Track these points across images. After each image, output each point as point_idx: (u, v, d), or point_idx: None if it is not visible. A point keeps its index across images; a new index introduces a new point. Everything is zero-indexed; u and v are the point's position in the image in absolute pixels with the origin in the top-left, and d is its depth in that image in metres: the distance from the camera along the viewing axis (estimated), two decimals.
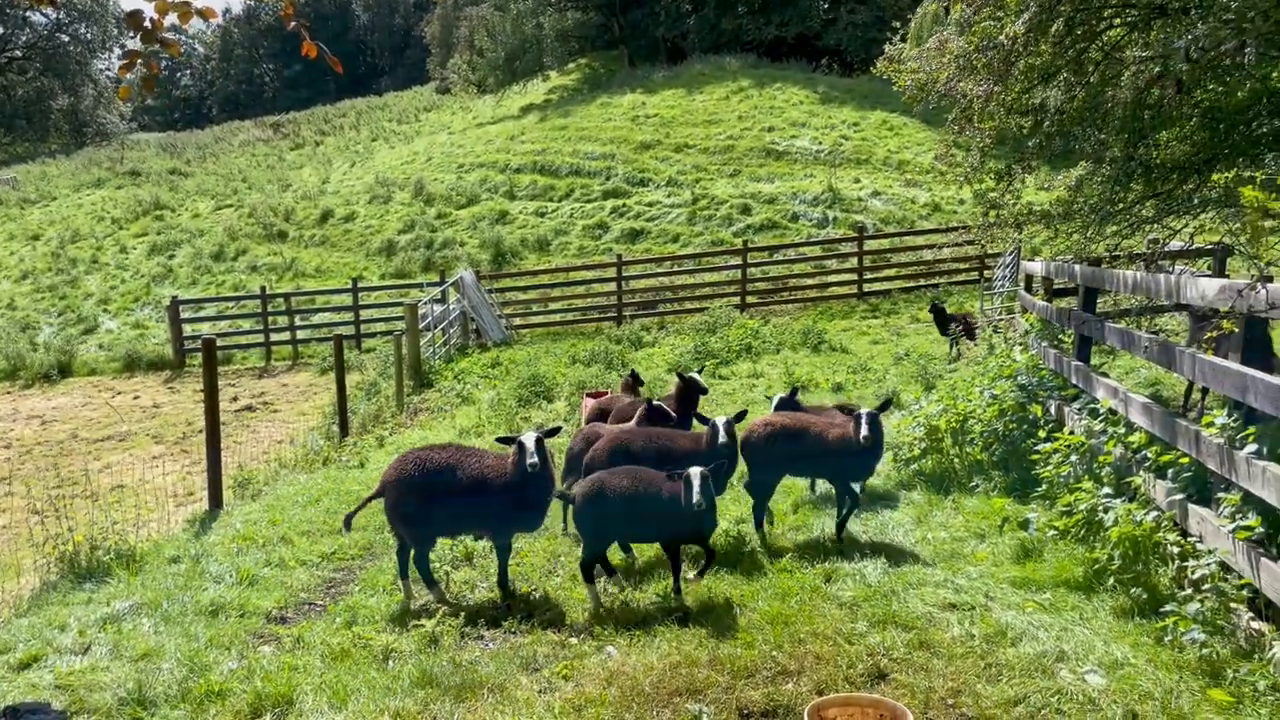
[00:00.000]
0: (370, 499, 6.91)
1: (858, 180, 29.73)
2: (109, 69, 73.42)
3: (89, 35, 70.82)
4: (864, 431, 6.70)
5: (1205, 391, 9.74)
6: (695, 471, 5.89)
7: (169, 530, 9.19)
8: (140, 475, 12.52)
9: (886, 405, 7.26)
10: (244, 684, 5.33)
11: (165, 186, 42.99)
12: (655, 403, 8.39)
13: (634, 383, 11.26)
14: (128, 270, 32.27)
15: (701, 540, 6.35)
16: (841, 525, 7.12)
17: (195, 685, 5.34)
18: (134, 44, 4.97)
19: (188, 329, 24.97)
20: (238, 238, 33.02)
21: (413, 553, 6.58)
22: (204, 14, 5.15)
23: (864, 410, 6.89)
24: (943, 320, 14.98)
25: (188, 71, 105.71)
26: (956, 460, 8.38)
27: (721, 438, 6.79)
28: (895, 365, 14.61)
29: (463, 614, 6.20)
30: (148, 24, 4.92)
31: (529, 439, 6.25)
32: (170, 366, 24.18)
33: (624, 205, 30.50)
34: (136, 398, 21.11)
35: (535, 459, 6.15)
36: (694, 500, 5.69)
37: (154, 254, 33.14)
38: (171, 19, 5.20)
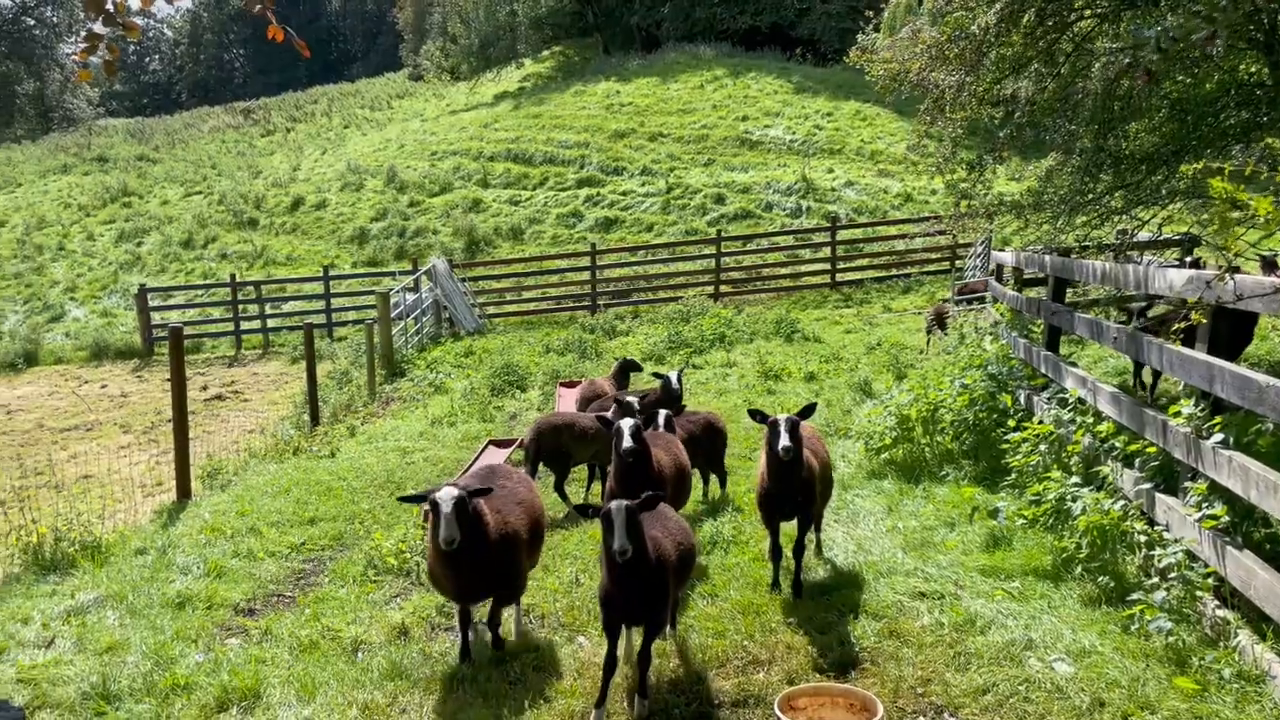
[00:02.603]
0: None
1: (831, 170, 29.78)
2: (75, 53, 72.42)
3: (54, 19, 69.75)
4: (784, 443, 5.61)
5: (1157, 376, 9.86)
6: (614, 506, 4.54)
7: (136, 521, 9.07)
8: (108, 465, 12.35)
9: (809, 411, 6.05)
10: (211, 677, 5.27)
11: (133, 173, 42.41)
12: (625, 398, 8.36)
13: (624, 370, 11.05)
14: (95, 258, 31.82)
15: None
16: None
17: (161, 679, 5.27)
18: (96, 27, 4.85)
19: (156, 317, 24.66)
20: (207, 225, 32.64)
21: None
22: None
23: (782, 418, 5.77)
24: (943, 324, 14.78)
25: (156, 56, 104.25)
26: (927, 449, 8.42)
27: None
28: (867, 354, 14.67)
29: (434, 606, 6.17)
30: (109, 7, 4.82)
31: (445, 501, 4.86)
32: (139, 355, 23.88)
33: (598, 194, 30.41)
34: (104, 386, 20.84)
35: (449, 532, 4.79)
36: (615, 547, 4.41)
37: (122, 241, 32.70)
38: (135, 2, 5.09)
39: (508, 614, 5.73)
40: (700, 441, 7.89)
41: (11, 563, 7.53)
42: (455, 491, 4.91)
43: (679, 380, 9.24)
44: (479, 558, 5.06)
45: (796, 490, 5.87)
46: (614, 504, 4.51)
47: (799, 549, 6.00)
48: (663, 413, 7.33)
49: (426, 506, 5.22)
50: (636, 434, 6.03)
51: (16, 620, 6.23)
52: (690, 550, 5.13)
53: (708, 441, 8.02)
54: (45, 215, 36.49)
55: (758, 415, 6.01)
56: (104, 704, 5.05)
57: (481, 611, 5.79)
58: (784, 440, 5.61)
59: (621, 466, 6.07)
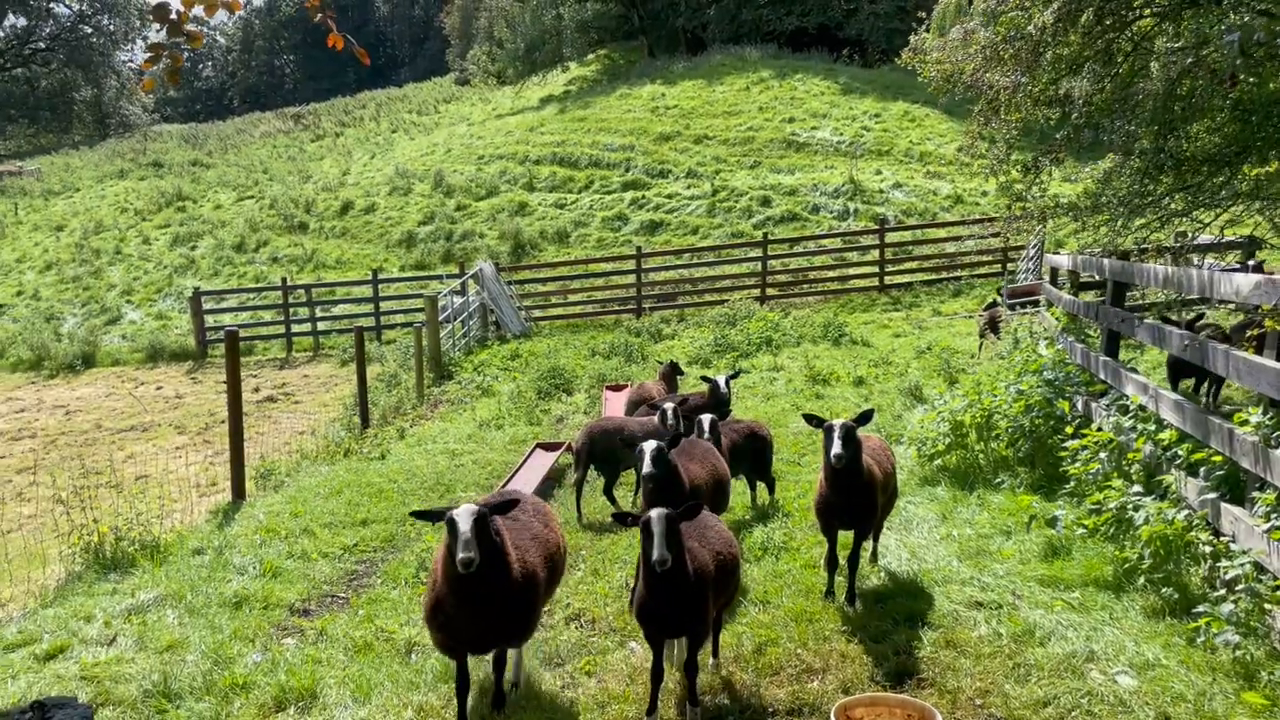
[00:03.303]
0: None
1: (879, 172, 29.53)
2: (132, 60, 73.89)
3: (111, 27, 71.29)
4: (835, 449, 5.50)
5: (1219, 384, 9.65)
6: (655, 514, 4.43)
7: (192, 521, 9.23)
8: (164, 466, 12.58)
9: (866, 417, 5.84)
10: (268, 676, 5.34)
11: (187, 178, 43.21)
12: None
13: (672, 373, 11.21)
14: (150, 261, 32.46)
15: None
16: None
17: (220, 677, 5.35)
18: (159, 36, 4.94)
19: (210, 320, 25.11)
20: (259, 229, 33.15)
21: None
22: (229, 6, 5.12)
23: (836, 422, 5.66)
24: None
25: (209, 63, 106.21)
26: (981, 456, 8.29)
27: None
28: (917, 359, 14.50)
29: None
30: (173, 16, 4.91)
31: (463, 518, 4.34)
32: (192, 357, 24.32)
33: (643, 197, 30.42)
34: (159, 388, 21.24)
35: (468, 553, 4.24)
36: (654, 557, 4.30)
37: (176, 245, 33.33)
38: (197, 11, 5.17)
39: (513, 656, 5.17)
40: (744, 450, 7.85)
41: (74, 561, 7.70)
42: (474, 507, 4.41)
43: (727, 384, 9.20)
44: (498, 588, 4.47)
45: (855, 499, 5.74)
46: (654, 512, 4.39)
47: (854, 558, 5.91)
48: (707, 418, 7.30)
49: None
50: (658, 457, 5.83)
51: (79, 618, 6.36)
52: (732, 560, 4.99)
53: (752, 450, 7.97)
54: (103, 220, 37.29)
55: (813, 420, 5.93)
56: (165, 702, 5.14)
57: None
58: (836, 447, 5.49)
59: (646, 488, 5.97)
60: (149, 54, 5.28)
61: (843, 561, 6.01)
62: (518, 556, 4.67)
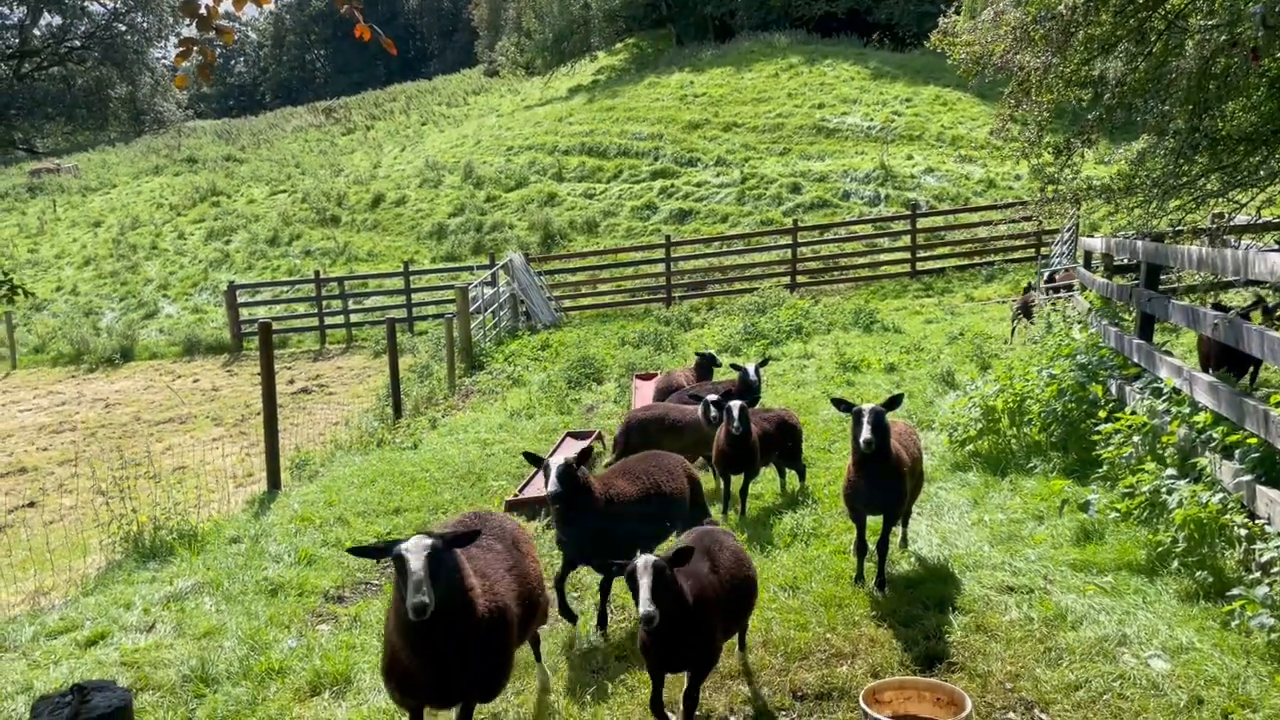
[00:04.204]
0: None
1: (910, 157, 29.29)
2: (165, 57, 74.59)
3: (145, 24, 71.90)
4: (865, 435, 5.48)
5: (1257, 366, 9.47)
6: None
7: (229, 511, 9.37)
8: (201, 457, 12.78)
9: (896, 401, 5.82)
10: (303, 662, 5.42)
11: (221, 173, 43.71)
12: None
13: (707, 364, 10.98)
14: (186, 256, 32.89)
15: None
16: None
17: (256, 663, 5.44)
18: (190, 32, 5.00)
19: (244, 313, 25.42)
20: (291, 223, 33.47)
21: None
22: (258, 1, 5.18)
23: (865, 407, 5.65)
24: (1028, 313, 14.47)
25: (241, 59, 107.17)
26: (1014, 441, 8.23)
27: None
28: (949, 345, 14.40)
29: None
30: (203, 11, 4.97)
31: (413, 554, 3.71)
32: (228, 350, 24.66)
33: (672, 185, 30.37)
34: (196, 380, 21.55)
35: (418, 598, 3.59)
36: (640, 613, 3.91)
37: (211, 239, 33.74)
38: (226, 6, 5.24)
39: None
40: (774, 438, 7.85)
41: (113, 550, 7.86)
42: (426, 540, 3.74)
43: (757, 372, 9.19)
44: (462, 631, 3.84)
45: (883, 484, 5.70)
46: (640, 560, 3.96)
47: (883, 544, 5.88)
48: (736, 404, 7.29)
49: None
50: (564, 475, 5.27)
51: (119, 605, 6.49)
52: (745, 582, 4.68)
53: (781, 438, 7.97)
54: (139, 215, 37.81)
55: (841, 404, 5.88)
56: (203, 686, 5.23)
57: None
58: (865, 433, 5.46)
59: (553, 509, 5.53)
60: (180, 49, 5.36)
61: (872, 547, 6.00)
62: (485, 589, 4.04)
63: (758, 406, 8.50)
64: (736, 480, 7.69)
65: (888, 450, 5.64)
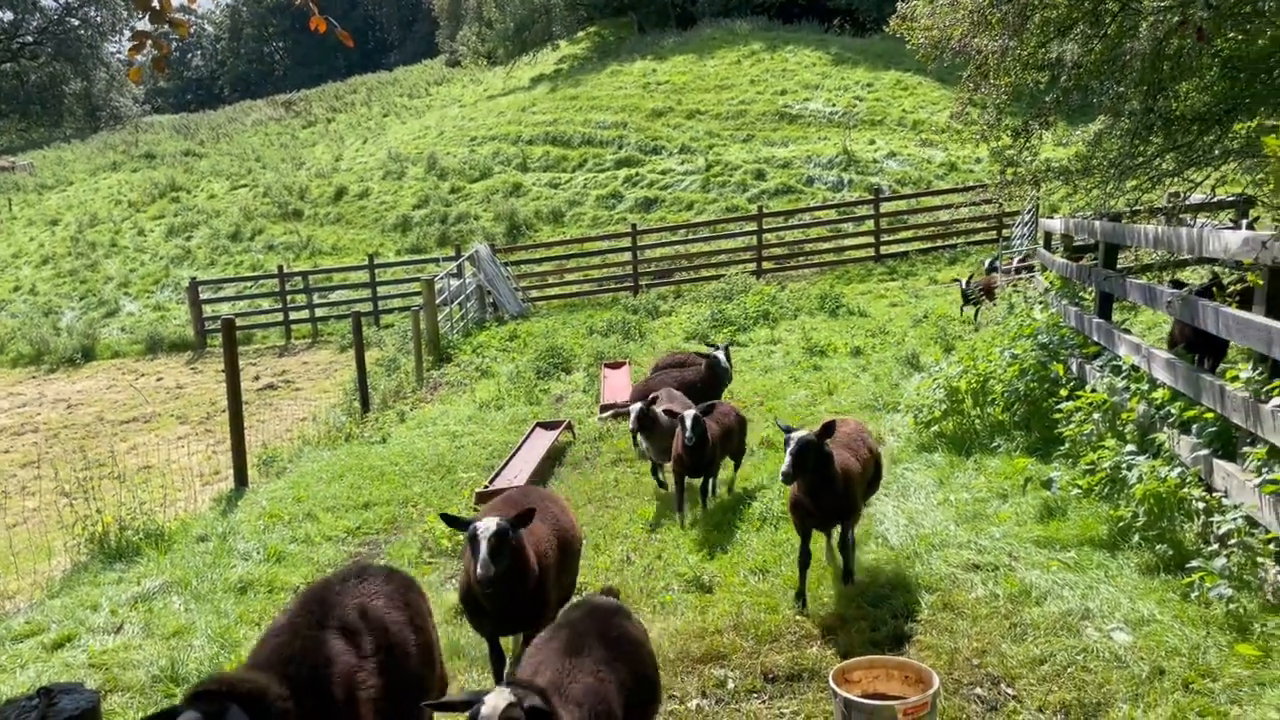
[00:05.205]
0: None
1: (873, 142, 29.44)
2: (120, 52, 73.44)
3: (99, 18, 70.78)
4: (784, 468, 5.29)
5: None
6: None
7: (196, 509, 9.29)
8: (166, 455, 12.64)
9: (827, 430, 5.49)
10: None
11: (180, 168, 43.08)
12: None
13: (713, 372, 9.75)
14: (146, 253, 32.42)
15: None
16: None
17: (226, 661, 5.41)
18: (143, 25, 4.92)
19: (208, 310, 25.11)
20: (253, 217, 33.09)
21: None
22: None
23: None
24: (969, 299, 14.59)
25: (198, 52, 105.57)
26: (978, 421, 8.33)
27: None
28: (914, 327, 14.53)
29: None
30: (155, 4, 4.90)
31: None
32: (192, 347, 24.36)
33: (637, 174, 30.34)
34: (160, 379, 21.29)
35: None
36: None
37: (171, 236, 33.27)
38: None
39: None
40: (734, 434, 7.97)
41: (79, 552, 7.76)
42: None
43: (727, 357, 9.22)
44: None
45: (828, 502, 5.47)
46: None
47: (844, 544, 5.76)
48: (689, 415, 7.06)
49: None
50: (496, 548, 4.39)
51: (86, 607, 6.43)
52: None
53: (740, 434, 8.10)
54: (97, 212, 37.21)
55: (785, 429, 5.51)
56: (173, 686, 5.20)
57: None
58: (785, 465, 5.25)
59: None
60: (133, 42, 5.28)
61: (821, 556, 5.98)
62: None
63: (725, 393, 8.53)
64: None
65: (829, 471, 5.38)
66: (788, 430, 5.43)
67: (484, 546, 4.30)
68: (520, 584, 4.53)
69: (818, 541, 6.18)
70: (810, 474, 5.32)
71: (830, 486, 5.42)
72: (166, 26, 5.09)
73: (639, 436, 8.04)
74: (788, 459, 5.24)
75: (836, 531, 5.91)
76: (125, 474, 10.35)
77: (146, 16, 4.95)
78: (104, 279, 30.72)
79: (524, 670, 3.47)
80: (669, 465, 7.77)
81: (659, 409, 7.79)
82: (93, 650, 5.69)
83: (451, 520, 4.68)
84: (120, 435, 15.93)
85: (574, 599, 5.18)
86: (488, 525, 4.37)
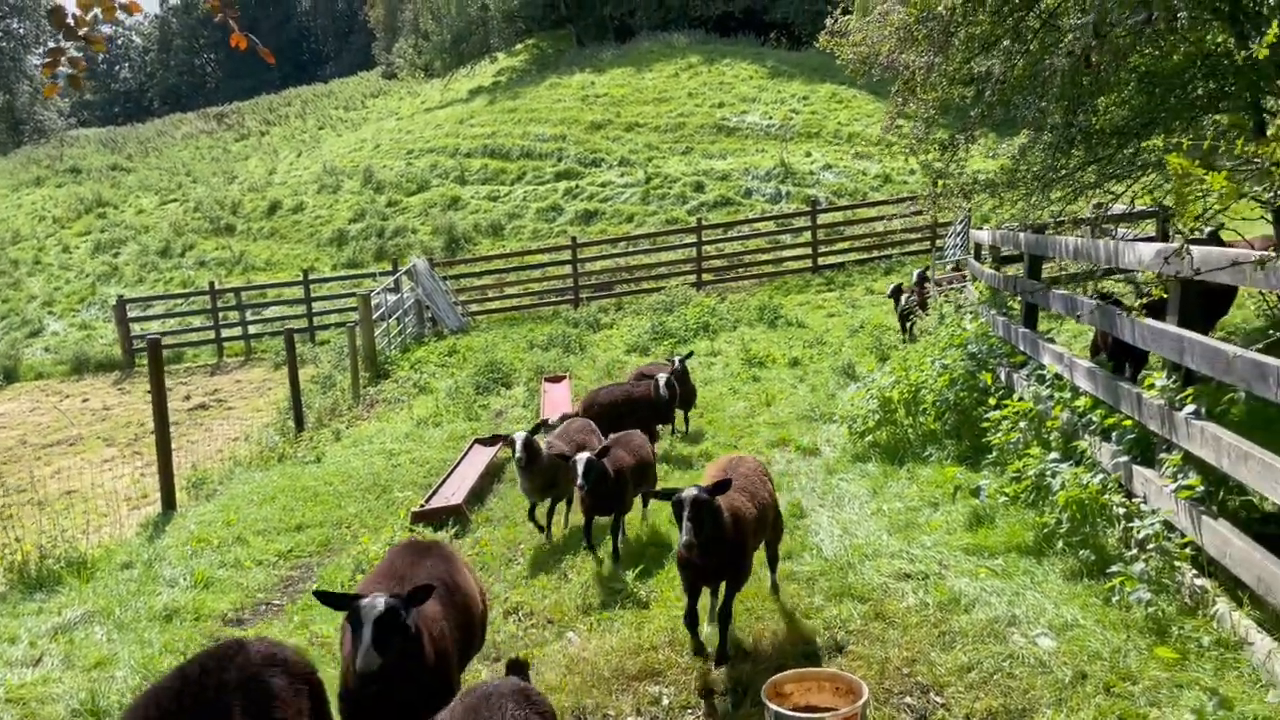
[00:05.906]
0: None
1: (809, 154, 29.81)
2: (40, 65, 71.61)
3: (21, 30, 69.03)
4: (684, 538, 4.71)
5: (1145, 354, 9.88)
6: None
7: (121, 535, 9.04)
8: (92, 480, 12.28)
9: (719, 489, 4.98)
10: None
11: (107, 183, 42.09)
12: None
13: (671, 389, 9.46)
14: (71, 270, 31.59)
15: None
16: None
17: None
18: (59, 42, 4.82)
19: (136, 328, 24.50)
20: (184, 233, 32.44)
21: None
22: (128, 8, 5.01)
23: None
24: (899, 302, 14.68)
25: (126, 64, 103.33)
26: (910, 430, 8.46)
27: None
28: (850, 338, 14.71)
29: None
30: (70, 20, 4.79)
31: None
32: (119, 367, 23.73)
33: (577, 187, 30.35)
34: (86, 400, 20.72)
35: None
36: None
37: (98, 252, 32.47)
38: (97, 14, 5.05)
39: None
40: (649, 466, 7.42)
41: None
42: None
43: (669, 384, 9.15)
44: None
45: (719, 560, 4.98)
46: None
47: (724, 613, 5.13)
48: (582, 459, 6.46)
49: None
50: (381, 637, 3.67)
51: (3, 640, 6.22)
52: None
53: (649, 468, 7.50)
54: (19, 229, 36.18)
55: (662, 495, 5.06)
56: None
57: None
58: (683, 536, 4.70)
59: None
60: (48, 59, 5.16)
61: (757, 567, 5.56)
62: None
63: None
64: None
65: (720, 530, 4.87)
66: (671, 494, 4.85)
67: (368, 631, 3.59)
68: (411, 680, 3.79)
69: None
70: (700, 540, 4.72)
71: (721, 543, 4.87)
72: (82, 42, 4.99)
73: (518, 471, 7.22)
74: (686, 527, 4.64)
75: (722, 592, 5.20)
76: (47, 500, 10.06)
77: (61, 33, 4.84)
78: (27, 298, 29.86)
79: None
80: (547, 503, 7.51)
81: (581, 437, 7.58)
82: (10, 685, 5.50)
83: (329, 598, 3.86)
84: (43, 459, 15.47)
85: (480, 667, 5.16)
86: (373, 604, 3.66)
